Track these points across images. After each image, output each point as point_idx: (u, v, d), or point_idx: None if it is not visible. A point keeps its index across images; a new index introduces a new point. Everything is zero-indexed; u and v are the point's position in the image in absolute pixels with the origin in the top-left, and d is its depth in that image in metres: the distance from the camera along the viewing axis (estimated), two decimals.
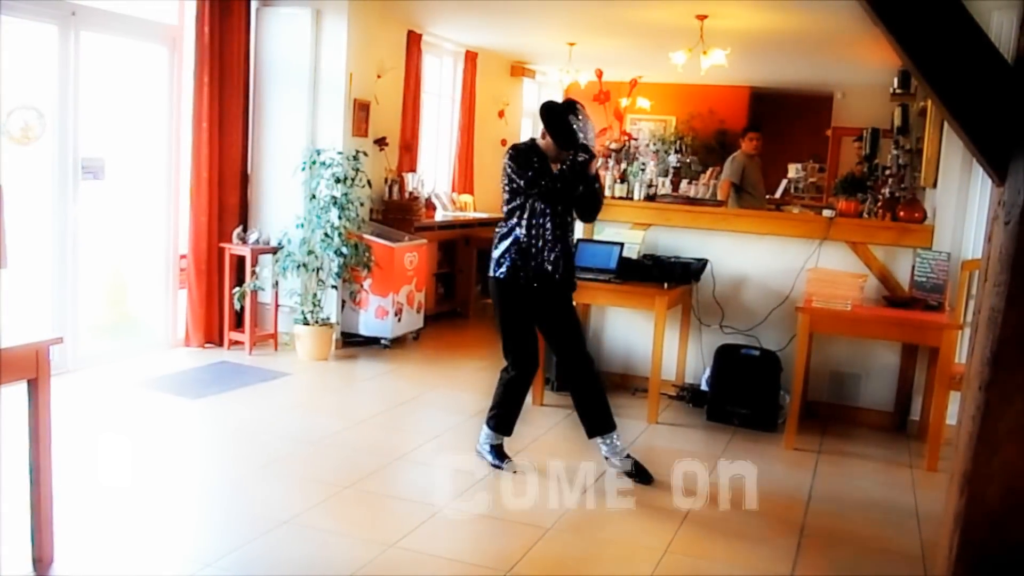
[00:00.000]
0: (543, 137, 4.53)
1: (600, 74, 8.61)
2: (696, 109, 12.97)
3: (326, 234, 6.60)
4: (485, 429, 4.72)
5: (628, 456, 4.62)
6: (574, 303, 4.81)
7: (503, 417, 4.67)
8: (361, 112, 7.21)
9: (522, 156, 4.46)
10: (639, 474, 4.55)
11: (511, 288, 4.50)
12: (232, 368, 6.34)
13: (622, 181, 6.50)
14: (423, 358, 7.13)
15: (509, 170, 4.46)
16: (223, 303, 6.81)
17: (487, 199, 10.17)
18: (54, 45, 5.65)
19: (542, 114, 4.48)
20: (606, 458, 4.64)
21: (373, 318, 7.16)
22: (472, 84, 10.25)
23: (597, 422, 4.62)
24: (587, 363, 4.65)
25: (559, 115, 4.43)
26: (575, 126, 4.37)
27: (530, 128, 12.27)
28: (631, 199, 6.42)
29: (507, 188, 4.50)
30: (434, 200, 9.01)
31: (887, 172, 6.65)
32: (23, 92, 5.52)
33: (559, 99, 4.80)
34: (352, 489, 4.25)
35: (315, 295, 6.73)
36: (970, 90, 1.94)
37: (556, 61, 10.91)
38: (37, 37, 5.60)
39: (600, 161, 4.65)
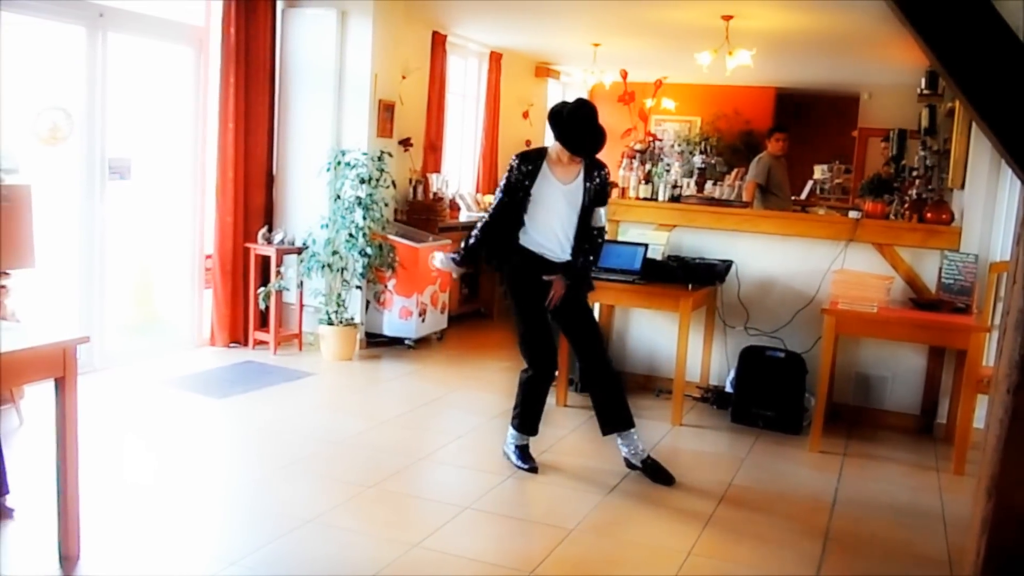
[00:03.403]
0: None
1: (625, 75, 8.58)
2: (721, 110, 12.91)
3: (351, 234, 6.63)
4: (510, 430, 4.73)
5: (648, 456, 4.61)
6: (589, 302, 4.78)
7: (525, 417, 4.67)
8: (386, 113, 7.23)
9: (519, 167, 4.47)
10: (660, 475, 4.54)
11: (521, 280, 4.53)
12: (257, 368, 6.38)
13: (647, 182, 6.48)
14: (447, 358, 7.14)
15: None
16: (248, 303, 6.86)
17: None
18: (82, 46, 5.70)
19: (549, 117, 4.42)
20: (625, 459, 4.63)
21: (397, 318, 7.18)
22: (496, 85, 10.26)
23: (612, 418, 4.61)
24: (605, 361, 4.66)
25: (569, 127, 4.35)
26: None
27: None
28: (656, 200, 6.41)
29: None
30: (458, 201, 9.02)
31: (914, 173, 6.60)
32: (51, 93, 5.60)
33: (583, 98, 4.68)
34: (376, 489, 4.26)
35: (339, 295, 6.75)
36: (999, 91, 1.92)
37: (581, 62, 10.89)
38: (65, 38, 5.66)
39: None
